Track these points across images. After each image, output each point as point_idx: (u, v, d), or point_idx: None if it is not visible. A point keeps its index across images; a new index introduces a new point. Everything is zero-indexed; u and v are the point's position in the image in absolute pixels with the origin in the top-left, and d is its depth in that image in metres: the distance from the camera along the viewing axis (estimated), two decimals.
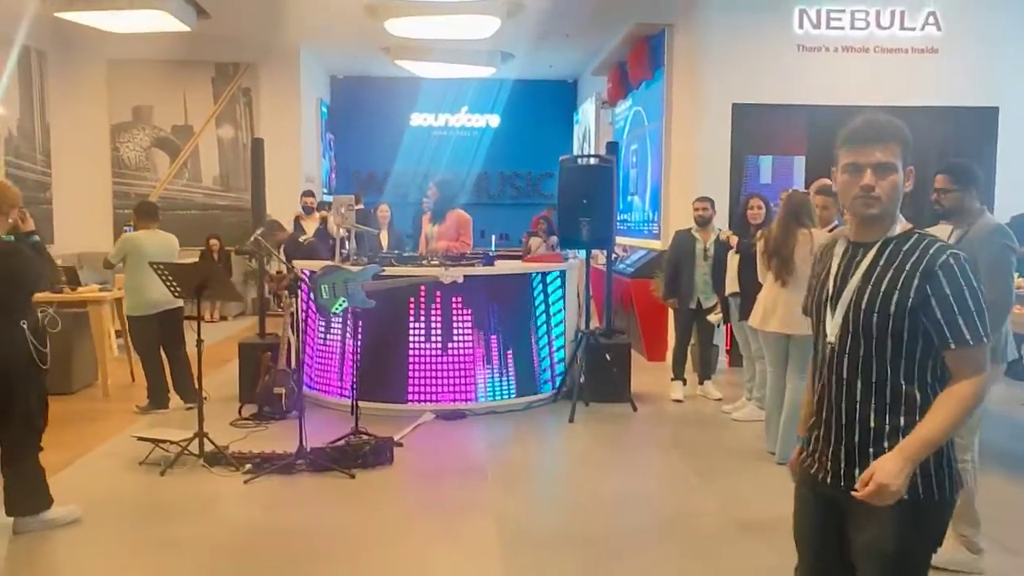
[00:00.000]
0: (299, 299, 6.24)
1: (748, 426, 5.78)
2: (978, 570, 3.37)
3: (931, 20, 7.98)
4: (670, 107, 8.57)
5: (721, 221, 7.50)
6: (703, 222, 6.54)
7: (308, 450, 4.75)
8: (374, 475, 4.68)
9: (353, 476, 4.61)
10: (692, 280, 6.49)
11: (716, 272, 6.47)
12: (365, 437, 5.04)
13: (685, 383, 6.68)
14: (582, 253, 6.95)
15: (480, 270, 6.09)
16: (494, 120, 14.60)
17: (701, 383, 6.74)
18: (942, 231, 3.84)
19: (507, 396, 6.14)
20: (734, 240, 5.90)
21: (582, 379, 6.12)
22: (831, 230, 5.17)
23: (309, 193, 10.09)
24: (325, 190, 12.66)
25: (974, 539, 3.37)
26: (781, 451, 4.88)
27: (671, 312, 6.98)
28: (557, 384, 6.42)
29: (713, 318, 6.29)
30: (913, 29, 7.99)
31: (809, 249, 4.73)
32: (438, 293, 5.88)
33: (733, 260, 5.94)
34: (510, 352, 6.13)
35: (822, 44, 7.99)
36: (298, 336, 6.39)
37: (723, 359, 7.88)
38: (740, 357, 7.55)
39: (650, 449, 5.37)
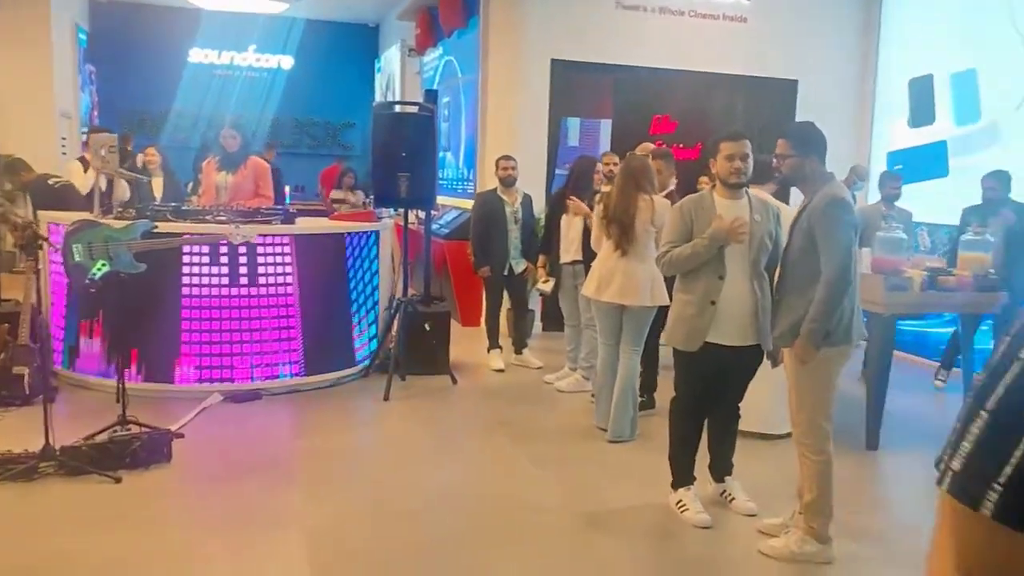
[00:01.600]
0: (42, 258, 5.06)
1: (574, 399, 5.47)
2: (828, 559, 3.22)
3: None
4: (486, 59, 8.02)
5: (535, 183, 7.16)
6: (509, 182, 6.12)
7: (57, 448, 3.78)
8: (147, 478, 3.82)
9: (119, 480, 3.72)
10: (505, 245, 6.07)
11: (526, 236, 6.11)
12: (135, 428, 4.13)
13: (502, 350, 6.29)
14: (393, 211, 6.31)
15: (279, 229, 5.26)
16: (287, 62, 13.31)
17: (519, 352, 6.38)
18: (762, 192, 3.75)
19: (311, 372, 5.40)
20: (580, 208, 5.40)
21: (397, 351, 5.51)
22: (667, 195, 4.92)
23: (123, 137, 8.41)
24: (84, 129, 10.87)
25: (824, 530, 3.21)
26: (614, 428, 4.59)
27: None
28: (370, 357, 5.76)
29: (544, 286, 5.90)
30: None
31: (650, 217, 4.43)
32: (224, 252, 4.99)
33: (573, 224, 5.56)
34: (314, 321, 5.38)
35: (641, 3, 7.79)
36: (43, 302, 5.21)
37: (538, 324, 7.60)
38: (554, 321, 7.34)
39: (476, 431, 4.85)
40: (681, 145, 8.00)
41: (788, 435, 4.96)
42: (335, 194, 9.75)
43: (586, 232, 5.33)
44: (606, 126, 8.82)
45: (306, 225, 5.57)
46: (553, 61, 7.57)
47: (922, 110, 7.70)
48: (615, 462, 4.33)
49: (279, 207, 6.06)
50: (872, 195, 7.11)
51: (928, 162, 7.52)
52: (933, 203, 6.99)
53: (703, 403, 3.61)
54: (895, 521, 3.82)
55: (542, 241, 6.06)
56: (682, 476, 3.68)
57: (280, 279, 5.21)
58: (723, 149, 3.43)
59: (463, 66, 8.79)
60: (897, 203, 6.15)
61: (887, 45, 8.17)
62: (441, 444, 4.64)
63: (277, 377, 5.27)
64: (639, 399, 4.75)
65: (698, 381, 3.54)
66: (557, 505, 3.75)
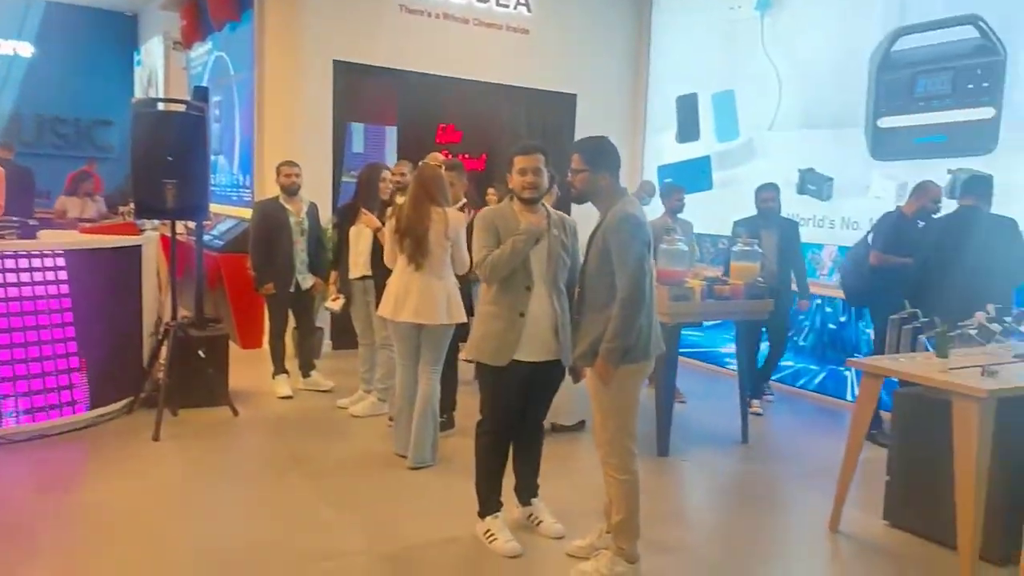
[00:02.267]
0: None
1: (371, 425, 5.18)
2: None
3: (523, 0, 8.13)
4: (263, 57, 7.48)
5: (320, 191, 6.77)
6: (293, 190, 5.71)
7: None
8: None
9: None
10: (290, 259, 5.65)
11: (313, 248, 5.75)
12: None
13: (289, 375, 5.85)
14: (157, 222, 5.65)
15: (13, 245, 4.49)
16: (24, 49, 11.71)
17: (307, 375, 5.97)
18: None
19: (59, 412, 4.66)
20: (372, 221, 5.10)
21: (166, 382, 4.90)
22: (461, 208, 4.79)
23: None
24: None
25: (634, 549, 3.21)
26: (415, 454, 4.37)
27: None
28: (137, 391, 5.09)
29: (333, 305, 5.53)
30: (508, 6, 8.06)
31: (444, 230, 4.26)
32: None
33: (362, 237, 5.24)
34: (58, 352, 4.65)
35: (425, 8, 7.63)
36: None
37: (327, 343, 7.19)
38: (346, 340, 6.98)
39: (264, 471, 4.37)
40: (467, 155, 7.96)
41: (579, 425, 5.13)
42: (65, 202, 8.63)
43: (375, 246, 5.08)
44: (391, 133, 8.58)
45: (50, 240, 4.81)
46: (336, 62, 7.20)
47: (688, 126, 8.23)
48: (418, 492, 4.11)
49: (14, 218, 5.20)
50: (656, 208, 7.44)
51: (694, 175, 8.04)
52: (695, 213, 7.35)
53: (510, 423, 3.49)
54: (693, 530, 3.93)
55: (333, 255, 5.70)
56: (490, 503, 3.54)
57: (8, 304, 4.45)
58: (516, 163, 3.37)
59: (236, 63, 8.15)
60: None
61: (657, 63, 8.65)
62: (224, 490, 4.12)
63: (9, 417, 4.49)
64: (439, 420, 4.56)
65: (506, 399, 3.42)
66: (359, 549, 3.46)
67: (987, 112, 5.79)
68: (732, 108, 7.73)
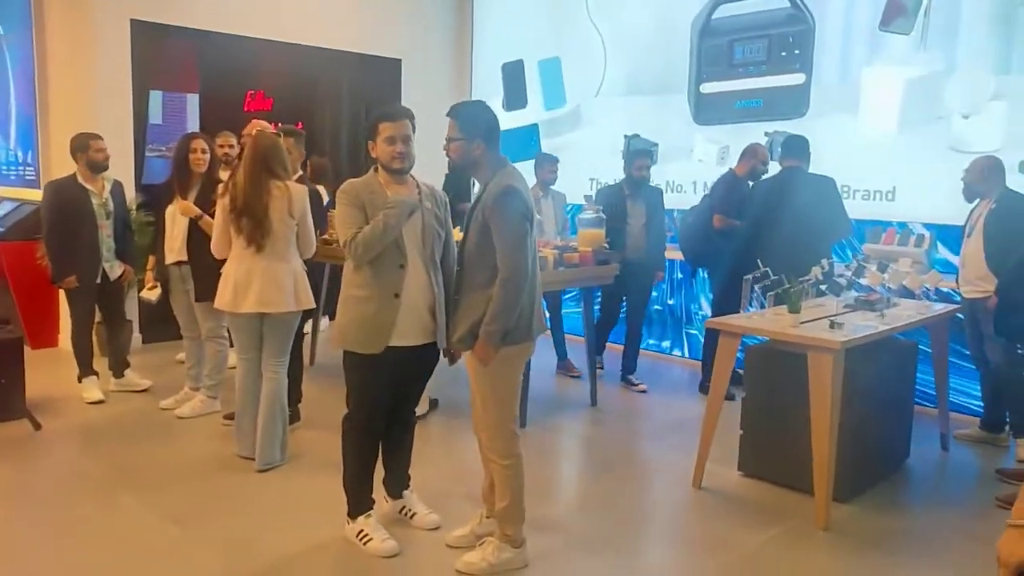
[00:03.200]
0: None
1: (203, 425, 4.68)
2: (524, 562, 3.10)
3: None
4: (41, 15, 6.50)
5: (123, 167, 6.02)
6: (102, 167, 5.02)
7: None
8: None
9: None
10: (95, 246, 4.97)
11: (120, 232, 5.11)
12: None
13: (98, 376, 5.18)
14: None
15: None
16: None
17: (120, 375, 5.31)
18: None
19: None
20: (190, 209, 4.54)
21: None
22: (298, 180, 4.39)
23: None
24: None
25: (519, 534, 3.08)
26: (263, 455, 3.98)
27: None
28: None
29: (150, 294, 4.91)
30: None
31: (286, 207, 3.86)
32: None
33: (178, 219, 4.66)
34: None
35: None
36: None
37: (136, 336, 6.47)
38: (159, 331, 6.35)
39: (85, 492, 3.77)
40: (280, 125, 7.40)
41: (434, 403, 4.95)
42: None
43: (192, 229, 4.56)
44: (193, 101, 7.81)
45: None
46: (134, 22, 6.39)
47: (515, 94, 8.14)
48: (273, 497, 3.74)
49: None
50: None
51: (522, 143, 7.98)
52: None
53: (382, 414, 3.21)
54: (564, 502, 3.88)
55: (151, 238, 5.05)
56: (362, 503, 3.27)
57: None
58: (382, 130, 3.06)
59: (4, 21, 7.04)
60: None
61: (482, 29, 8.47)
62: (36, 521, 3.48)
63: None
64: (287, 415, 4.18)
65: (378, 389, 3.14)
66: (217, 568, 3.07)
67: (798, 78, 6.14)
68: (558, 75, 7.73)
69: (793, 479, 3.90)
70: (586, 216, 5.22)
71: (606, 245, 5.16)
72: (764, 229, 5.02)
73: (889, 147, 5.69)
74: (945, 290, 4.90)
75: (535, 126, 7.96)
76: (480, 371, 2.91)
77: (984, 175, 4.36)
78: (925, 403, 4.93)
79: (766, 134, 6.26)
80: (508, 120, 8.17)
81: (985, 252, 4.31)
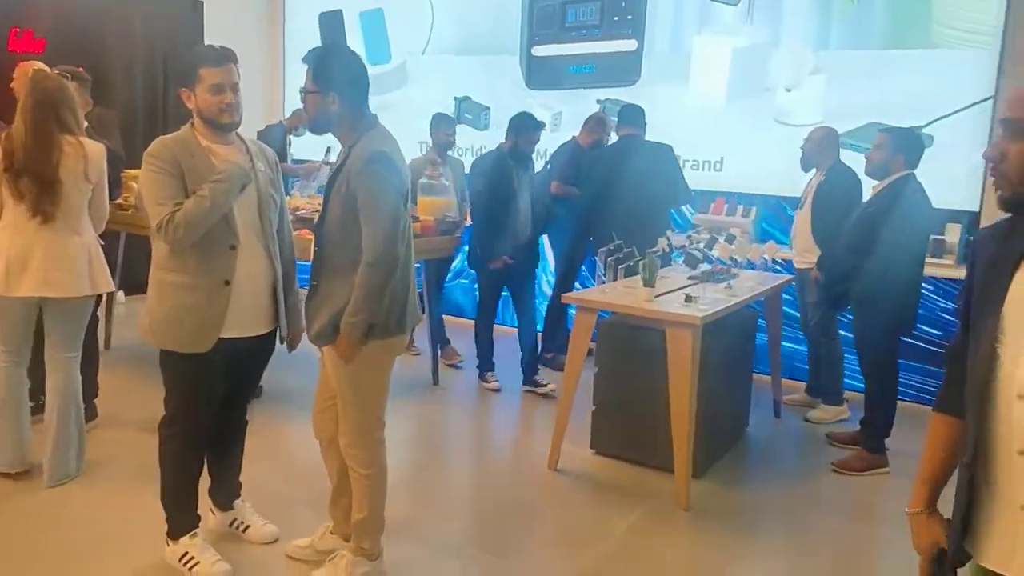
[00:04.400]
0: None
1: None
2: (382, 574, 2.76)
3: None
4: None
5: None
6: None
7: None
8: None
9: None
10: None
11: None
12: None
13: None
14: None
15: None
16: None
17: None
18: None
19: None
20: None
21: None
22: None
23: None
24: None
25: (376, 547, 2.73)
26: (55, 468, 3.32)
27: None
28: None
29: None
30: None
31: (83, 167, 3.17)
32: None
33: None
34: None
35: None
36: None
37: None
38: None
39: None
40: (60, 67, 6.36)
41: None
42: None
43: None
44: None
45: None
46: None
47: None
48: (69, 519, 3.12)
49: None
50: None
51: None
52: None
53: (209, 419, 2.70)
54: (416, 500, 3.56)
55: None
56: (185, 521, 2.77)
57: None
58: (205, 77, 2.53)
59: None
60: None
61: None
62: None
63: None
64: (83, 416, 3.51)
65: (206, 390, 2.64)
66: None
67: (631, 44, 6.08)
68: (382, 29, 7.22)
69: (646, 456, 3.83)
70: (426, 181, 4.86)
71: (449, 215, 4.83)
72: (604, 197, 4.92)
73: (718, 117, 5.78)
74: (779, 260, 5.04)
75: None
76: (341, 369, 2.50)
77: (821, 145, 4.48)
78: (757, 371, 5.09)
79: (598, 101, 6.18)
80: None
81: (812, 224, 4.45)
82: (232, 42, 2.69)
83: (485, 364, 5.04)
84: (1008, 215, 1.40)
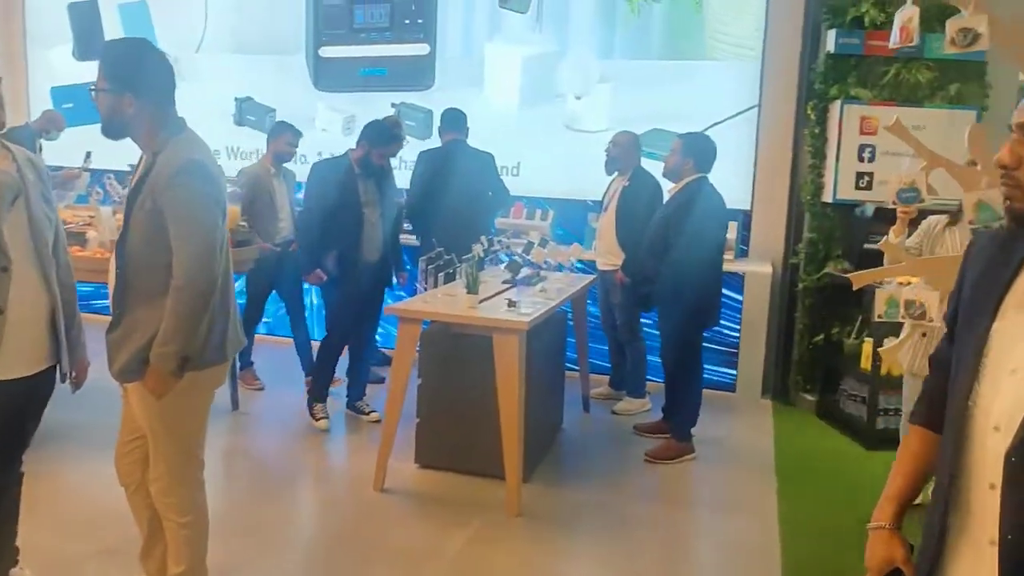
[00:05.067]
0: None
1: None
2: None
3: None
4: None
5: None
6: None
7: None
8: None
9: None
10: None
11: None
12: None
13: None
14: None
15: None
16: None
17: None
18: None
19: None
20: None
21: None
22: None
23: None
24: None
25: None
26: None
27: None
28: None
29: None
30: None
31: None
32: None
33: None
34: None
35: None
36: None
37: None
38: None
39: None
40: None
41: None
42: None
43: None
44: None
45: None
46: None
47: (87, 40, 6.73)
48: None
49: None
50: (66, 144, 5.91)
51: (91, 101, 6.68)
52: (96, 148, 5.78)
53: None
54: (236, 537, 3.22)
55: None
56: None
57: None
58: None
59: None
60: None
61: None
62: None
63: None
64: None
65: None
66: None
67: (423, 48, 6.01)
68: (147, 23, 6.56)
69: (473, 464, 3.77)
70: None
71: (244, 224, 4.47)
72: (429, 201, 4.82)
73: (513, 123, 5.87)
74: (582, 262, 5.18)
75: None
76: (151, 406, 2.17)
77: (628, 149, 4.66)
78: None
79: (393, 105, 6.04)
80: (81, 71, 6.74)
81: (617, 227, 4.63)
82: None
83: (319, 393, 4.40)
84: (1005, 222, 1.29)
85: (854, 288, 2.55)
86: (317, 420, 4.32)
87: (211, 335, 2.20)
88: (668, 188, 4.23)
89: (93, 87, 2.17)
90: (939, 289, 2.32)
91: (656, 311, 4.31)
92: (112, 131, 2.19)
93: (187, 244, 2.10)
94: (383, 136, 4.28)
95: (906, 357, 3.27)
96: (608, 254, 4.71)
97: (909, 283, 2.65)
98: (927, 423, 1.41)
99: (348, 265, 4.25)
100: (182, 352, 2.12)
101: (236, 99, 6.38)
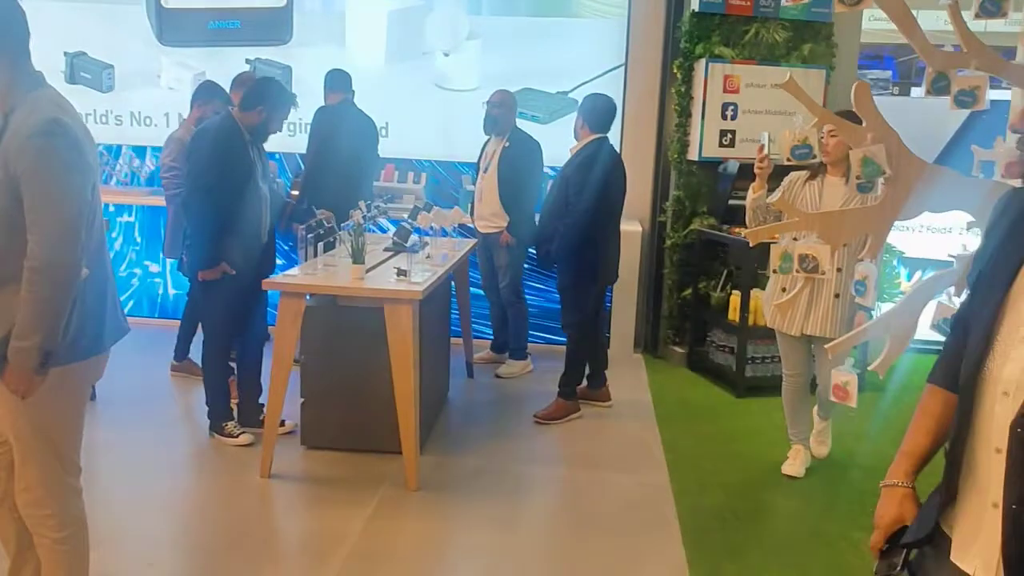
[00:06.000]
0: None
1: None
2: None
3: None
4: None
5: None
6: None
7: None
8: None
9: None
10: None
11: None
12: None
13: None
14: None
15: None
16: None
17: None
18: None
19: None
20: None
21: None
22: None
23: None
24: None
25: None
26: None
27: None
28: None
29: None
30: None
31: None
32: None
33: None
34: None
35: None
36: None
37: None
38: None
39: None
40: None
41: None
42: None
43: None
44: None
45: None
46: None
47: None
48: None
49: None
50: None
51: None
52: None
53: None
54: (115, 554, 2.95)
55: None
56: None
57: None
58: None
59: None
60: None
61: None
62: None
63: None
64: None
65: None
66: None
67: (278, 1, 5.62)
68: None
69: (364, 441, 3.64)
70: None
71: None
72: (323, 163, 4.61)
73: (379, 81, 5.61)
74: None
75: None
76: (16, 407, 1.89)
77: (509, 108, 4.57)
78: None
79: (247, 61, 5.63)
80: None
81: (499, 188, 4.55)
82: None
83: (221, 412, 3.76)
84: None
85: (751, 245, 2.61)
86: (236, 437, 3.69)
87: (86, 324, 1.94)
88: (569, 147, 4.16)
89: None
90: (831, 243, 2.40)
91: (556, 270, 4.30)
92: None
93: (45, 217, 1.82)
94: (285, 97, 3.62)
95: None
96: (492, 216, 4.64)
97: (796, 239, 2.75)
98: (944, 383, 1.39)
99: (244, 252, 3.58)
100: (44, 346, 1.84)
101: (66, 54, 5.74)
